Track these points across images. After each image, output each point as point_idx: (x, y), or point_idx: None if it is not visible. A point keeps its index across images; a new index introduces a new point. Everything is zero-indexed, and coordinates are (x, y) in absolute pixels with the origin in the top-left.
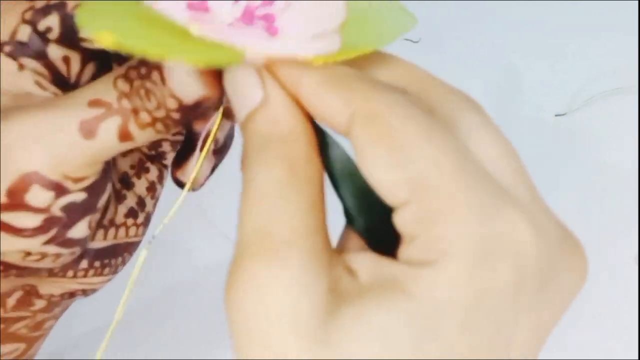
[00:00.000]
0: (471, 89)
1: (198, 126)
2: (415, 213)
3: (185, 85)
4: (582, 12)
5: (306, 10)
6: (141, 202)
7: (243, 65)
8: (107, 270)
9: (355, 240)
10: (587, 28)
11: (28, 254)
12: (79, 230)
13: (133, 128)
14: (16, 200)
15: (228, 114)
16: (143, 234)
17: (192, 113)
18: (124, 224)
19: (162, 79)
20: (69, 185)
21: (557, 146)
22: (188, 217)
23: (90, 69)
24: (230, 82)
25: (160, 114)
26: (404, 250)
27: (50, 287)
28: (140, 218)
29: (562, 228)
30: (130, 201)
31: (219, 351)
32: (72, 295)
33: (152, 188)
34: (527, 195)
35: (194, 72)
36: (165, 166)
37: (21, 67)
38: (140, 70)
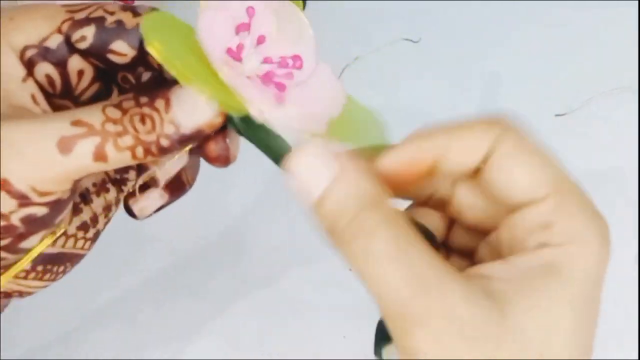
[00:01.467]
0: (471, 88)
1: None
2: (554, 204)
3: (190, 114)
4: (582, 12)
5: (313, 94)
6: (95, 219)
7: (310, 145)
8: (47, 276)
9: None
10: (587, 28)
11: None
12: (31, 241)
13: (110, 149)
14: None
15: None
16: (89, 249)
17: (182, 143)
18: (74, 235)
19: (167, 107)
20: (34, 197)
21: (557, 146)
22: None
23: (95, 87)
24: (298, 166)
25: (150, 138)
26: (537, 238)
27: None
28: (90, 233)
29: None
30: (85, 215)
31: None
32: (7, 295)
33: (108, 208)
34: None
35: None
36: (124, 191)
37: (26, 78)
38: (139, 100)
